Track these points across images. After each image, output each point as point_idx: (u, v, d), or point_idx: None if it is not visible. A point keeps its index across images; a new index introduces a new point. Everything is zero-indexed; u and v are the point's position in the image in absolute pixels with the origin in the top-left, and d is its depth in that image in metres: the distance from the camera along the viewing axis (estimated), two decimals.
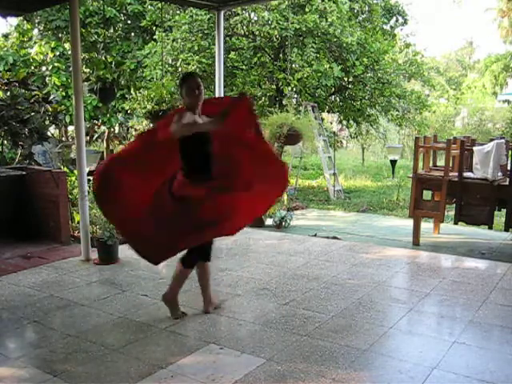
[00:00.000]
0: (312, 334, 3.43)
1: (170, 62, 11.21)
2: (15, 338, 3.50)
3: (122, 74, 5.54)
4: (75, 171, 5.94)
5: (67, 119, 11.05)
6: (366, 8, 13.25)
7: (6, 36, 14.15)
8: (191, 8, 10.64)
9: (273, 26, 10.57)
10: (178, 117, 3.44)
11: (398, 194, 10.11)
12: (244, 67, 11.26)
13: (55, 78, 11.17)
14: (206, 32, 10.97)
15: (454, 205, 5.91)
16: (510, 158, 5.85)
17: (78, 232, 5.77)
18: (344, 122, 13.42)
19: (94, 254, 5.17)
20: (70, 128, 14.96)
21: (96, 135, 15.89)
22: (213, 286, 4.40)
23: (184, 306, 3.94)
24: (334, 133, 13.16)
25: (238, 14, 11.26)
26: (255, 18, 11.34)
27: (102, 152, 13.27)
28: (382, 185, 12.34)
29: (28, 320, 3.70)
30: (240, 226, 3.63)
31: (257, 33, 11.08)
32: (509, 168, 5.63)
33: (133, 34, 14.07)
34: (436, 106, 18.92)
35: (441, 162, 6.47)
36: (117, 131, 15.04)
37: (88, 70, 8.07)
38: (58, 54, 11.97)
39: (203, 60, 10.75)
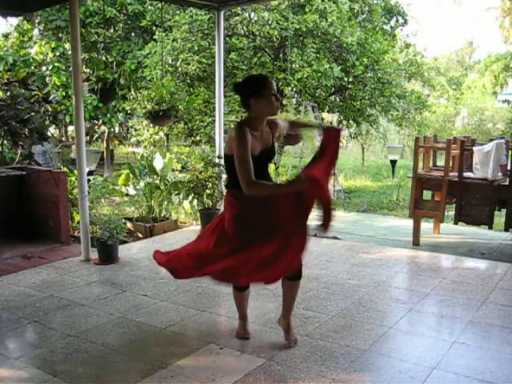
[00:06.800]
0: (312, 334, 3.43)
1: (170, 62, 11.22)
2: (15, 338, 3.49)
3: (123, 74, 5.53)
4: (75, 171, 5.93)
5: (67, 119, 11.06)
6: (366, 8, 13.28)
7: (6, 36, 14.17)
8: (191, 8, 10.65)
9: (273, 26, 10.59)
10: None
11: (397, 194, 10.11)
12: (244, 67, 11.27)
13: (55, 78, 11.18)
14: (206, 32, 10.99)
15: (454, 205, 5.91)
16: (510, 158, 5.85)
17: (78, 232, 5.78)
18: (344, 122, 13.43)
19: (94, 254, 5.16)
20: (70, 128, 14.99)
21: (96, 135, 15.92)
22: (212, 286, 4.41)
23: (184, 306, 3.94)
24: None
25: (238, 14, 11.28)
26: (255, 18, 11.36)
27: (102, 152, 13.31)
28: (381, 185, 12.33)
29: (28, 320, 3.70)
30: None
31: (257, 33, 11.09)
32: (509, 168, 5.63)
33: (133, 34, 14.11)
34: (436, 106, 18.92)
35: (441, 162, 6.46)
36: (117, 131, 15.07)
37: (88, 70, 8.06)
38: (58, 54, 11.98)
39: (203, 60, 10.78)
